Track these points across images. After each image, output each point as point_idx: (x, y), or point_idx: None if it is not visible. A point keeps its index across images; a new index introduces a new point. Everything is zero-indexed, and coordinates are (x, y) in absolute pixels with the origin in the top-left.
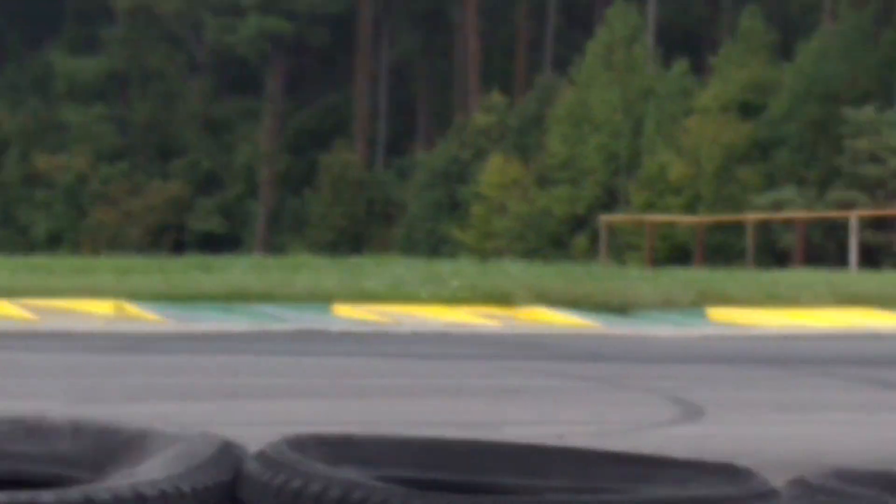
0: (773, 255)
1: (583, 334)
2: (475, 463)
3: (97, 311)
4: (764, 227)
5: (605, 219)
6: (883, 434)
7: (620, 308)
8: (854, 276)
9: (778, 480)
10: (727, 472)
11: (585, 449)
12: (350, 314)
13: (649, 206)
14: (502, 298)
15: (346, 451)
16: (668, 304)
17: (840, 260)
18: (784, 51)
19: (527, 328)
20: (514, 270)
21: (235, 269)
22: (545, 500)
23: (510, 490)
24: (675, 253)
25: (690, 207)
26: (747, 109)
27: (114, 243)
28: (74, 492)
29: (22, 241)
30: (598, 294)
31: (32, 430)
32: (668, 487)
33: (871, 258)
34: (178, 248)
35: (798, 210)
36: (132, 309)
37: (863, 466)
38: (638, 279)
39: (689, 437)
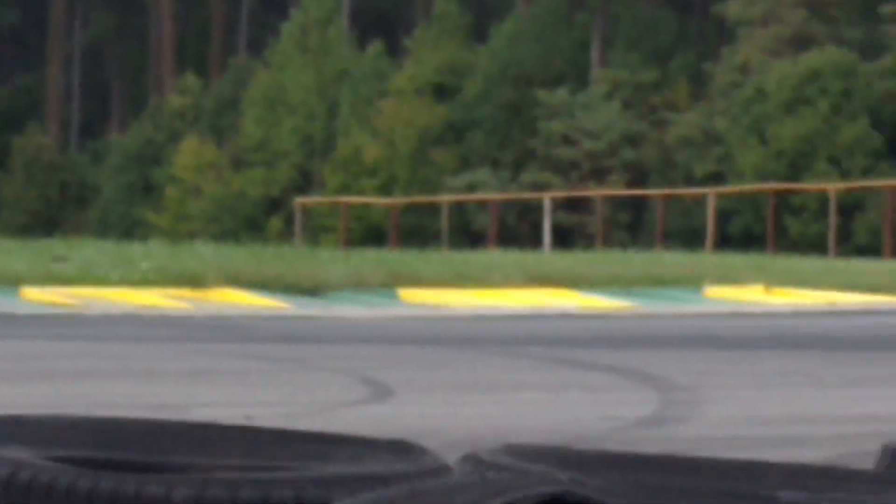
0: (468, 236)
1: (274, 316)
2: (149, 442)
3: None
4: (458, 209)
5: (299, 201)
6: (569, 413)
7: (312, 289)
8: (546, 256)
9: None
10: (400, 448)
11: (260, 427)
12: (39, 298)
13: (344, 188)
14: (193, 280)
15: (15, 431)
16: (359, 285)
17: (534, 241)
18: (479, 33)
19: (217, 310)
20: (206, 252)
21: None
22: (211, 479)
23: (182, 468)
24: (371, 235)
25: (385, 189)
26: (442, 92)
27: None
28: None
29: None
30: (290, 275)
31: None
32: (340, 464)
33: (564, 239)
34: None
35: (492, 192)
36: None
37: (538, 442)
38: (330, 260)
39: (377, 416)
